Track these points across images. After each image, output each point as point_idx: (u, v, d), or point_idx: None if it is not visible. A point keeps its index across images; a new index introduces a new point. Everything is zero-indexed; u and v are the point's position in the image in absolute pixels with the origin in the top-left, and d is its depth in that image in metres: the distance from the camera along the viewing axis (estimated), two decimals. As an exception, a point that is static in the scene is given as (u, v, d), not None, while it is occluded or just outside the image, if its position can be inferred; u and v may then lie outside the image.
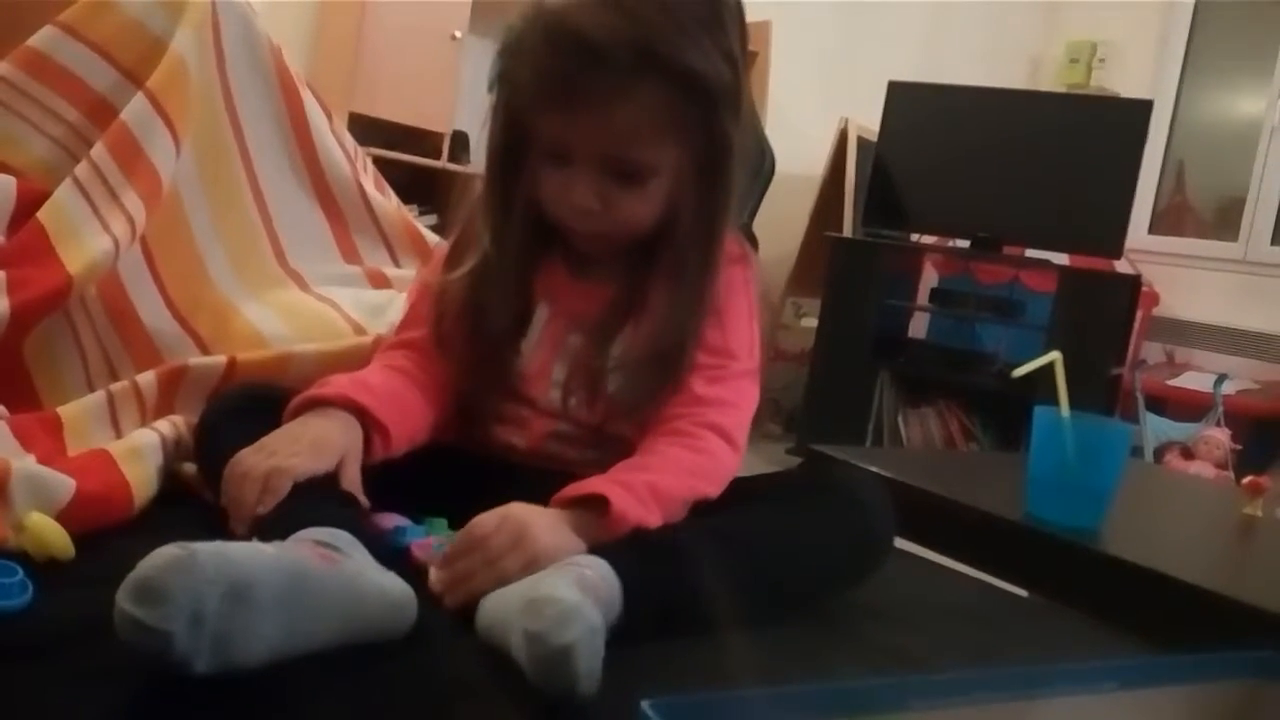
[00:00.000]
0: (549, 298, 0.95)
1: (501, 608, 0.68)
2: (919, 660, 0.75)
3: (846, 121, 3.80)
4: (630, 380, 0.90)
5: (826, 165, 3.85)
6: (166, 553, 0.55)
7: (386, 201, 1.39)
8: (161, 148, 1.14)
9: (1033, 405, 3.13)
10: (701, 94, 0.83)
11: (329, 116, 1.40)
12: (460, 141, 3.22)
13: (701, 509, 0.84)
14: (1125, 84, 4.52)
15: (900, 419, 3.43)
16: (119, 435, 0.91)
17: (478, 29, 3.16)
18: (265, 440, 0.78)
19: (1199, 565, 0.97)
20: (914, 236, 3.67)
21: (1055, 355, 0.99)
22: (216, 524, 0.80)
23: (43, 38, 1.17)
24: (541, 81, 0.82)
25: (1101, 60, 4.57)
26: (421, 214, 3.11)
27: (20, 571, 0.63)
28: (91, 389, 1.04)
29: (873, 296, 3.37)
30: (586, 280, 0.94)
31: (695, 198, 0.88)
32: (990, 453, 1.41)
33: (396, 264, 1.34)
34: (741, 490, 0.88)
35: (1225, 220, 4.33)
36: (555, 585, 0.63)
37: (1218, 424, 3.04)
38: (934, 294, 3.63)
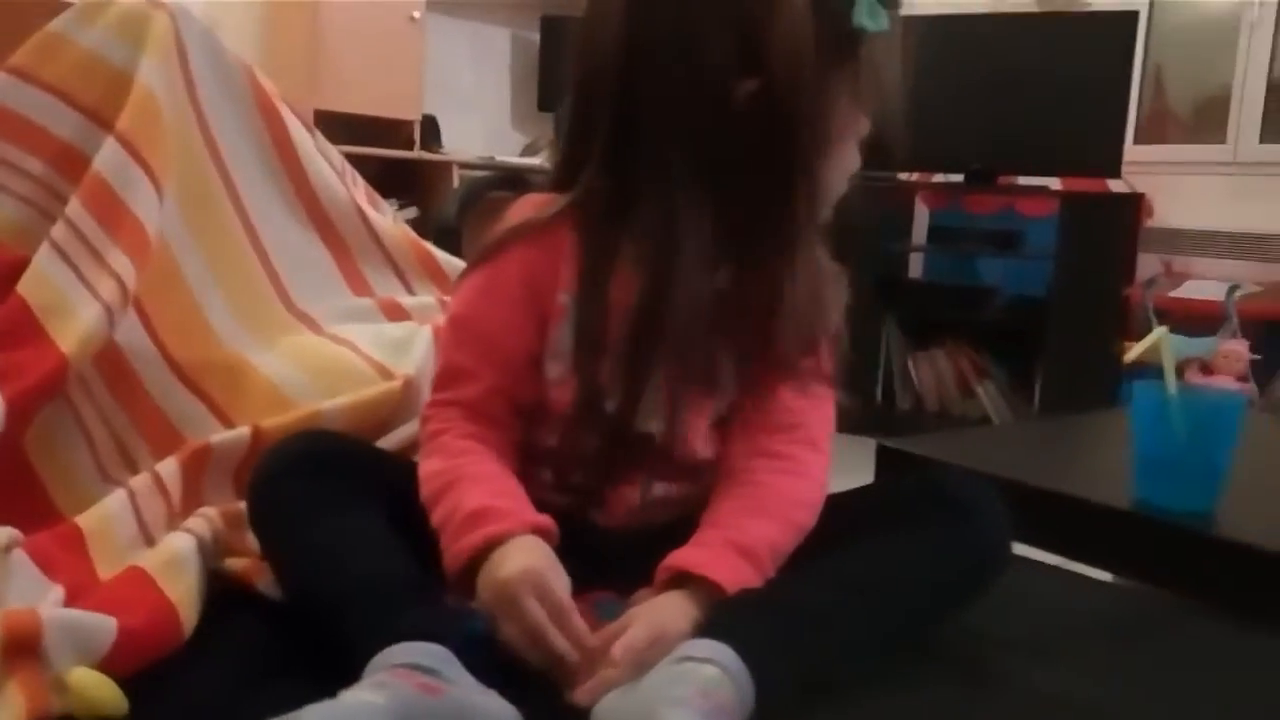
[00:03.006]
0: None
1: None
2: (1095, 710, 0.68)
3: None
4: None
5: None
6: None
7: (387, 220, 1.28)
8: (143, 196, 1.03)
9: (1041, 333, 3.07)
10: None
11: (312, 133, 1.29)
12: (431, 127, 3.09)
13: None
14: (1094, -9, 4.41)
15: (910, 363, 3.37)
16: (148, 539, 0.82)
17: (437, 7, 3.02)
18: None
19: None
20: (902, 175, 3.58)
21: (1161, 332, 0.91)
22: (272, 631, 0.71)
23: (-8, 87, 1.06)
24: None
25: (1071, -32, 4.44)
26: (401, 207, 2.99)
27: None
28: (103, 476, 0.94)
29: (869, 241, 3.29)
30: None
31: None
32: (1067, 419, 1.34)
33: (410, 291, 1.23)
34: (841, 510, 0.80)
35: (1206, 122, 4.26)
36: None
37: (1234, 335, 2.98)
38: (931, 233, 3.55)
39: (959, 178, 3.31)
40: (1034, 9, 4.37)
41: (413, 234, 1.29)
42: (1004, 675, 0.72)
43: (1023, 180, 3.22)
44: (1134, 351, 0.92)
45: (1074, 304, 3.01)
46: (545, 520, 0.74)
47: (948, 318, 3.32)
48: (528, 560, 0.69)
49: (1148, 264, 4.03)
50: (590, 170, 0.78)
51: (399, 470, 0.81)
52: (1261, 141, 4.03)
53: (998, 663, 0.74)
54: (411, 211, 2.97)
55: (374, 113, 2.94)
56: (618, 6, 0.76)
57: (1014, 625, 0.79)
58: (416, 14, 2.94)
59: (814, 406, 0.83)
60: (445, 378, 0.83)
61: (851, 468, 1.18)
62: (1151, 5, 4.35)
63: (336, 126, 2.85)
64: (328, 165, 1.24)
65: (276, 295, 1.14)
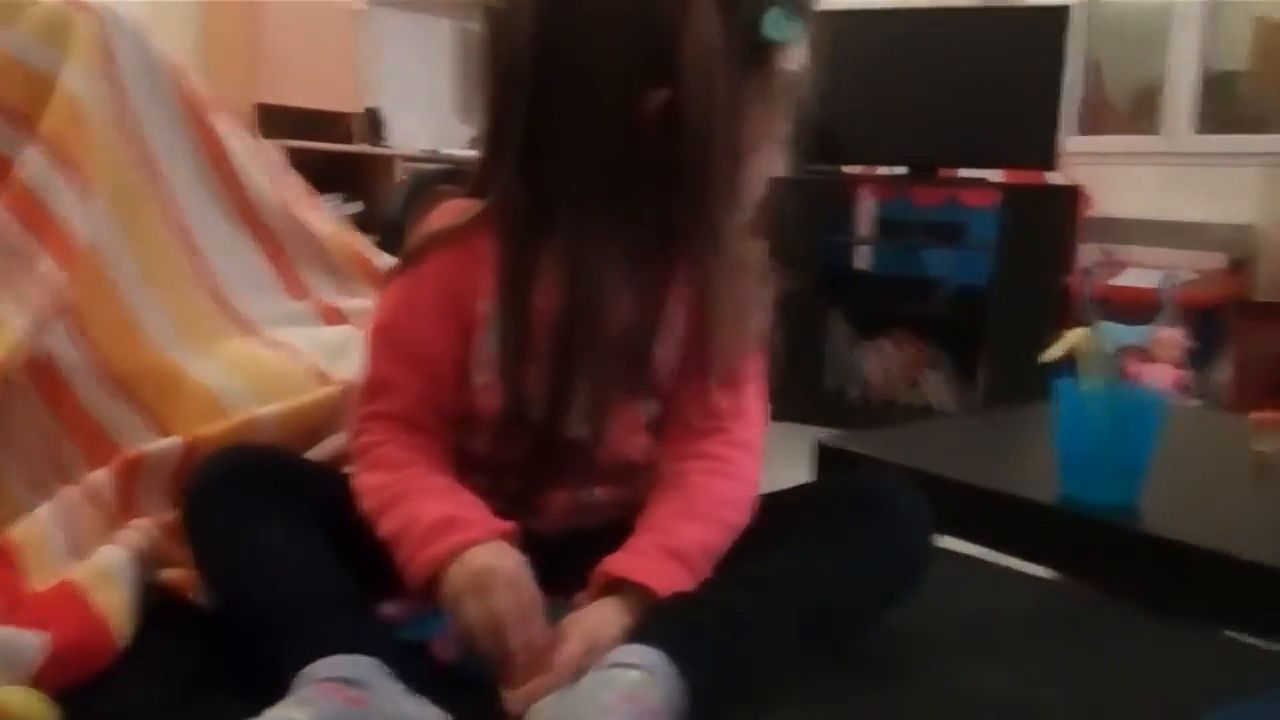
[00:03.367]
0: None
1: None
2: (1021, 707, 0.70)
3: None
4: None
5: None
6: None
7: (324, 222, 1.27)
8: (70, 202, 1.01)
9: (983, 323, 3.11)
10: None
11: (250, 132, 1.27)
12: (374, 119, 3.06)
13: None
14: (1033, -16, 4.48)
15: (857, 353, 3.41)
16: (80, 551, 0.81)
17: (377, -1, 2.99)
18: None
19: (1234, 533, 0.94)
20: (846, 168, 3.62)
21: (1081, 332, 0.93)
22: (205, 644, 0.71)
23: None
24: None
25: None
26: (345, 202, 2.96)
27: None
28: (35, 486, 0.93)
29: (815, 234, 3.33)
30: None
31: None
32: (1003, 413, 1.37)
33: (348, 294, 1.23)
34: (772, 509, 0.82)
35: (1142, 112, 4.36)
36: None
37: (1171, 323, 3.06)
38: (878, 225, 3.59)
39: (903, 170, 3.35)
40: (973, 4, 4.44)
41: (350, 236, 1.28)
42: (931, 675, 0.75)
43: (965, 173, 3.27)
44: (1051, 351, 0.95)
45: (1014, 294, 3.07)
46: (510, 526, 0.74)
47: (894, 309, 3.37)
48: (505, 559, 0.70)
49: (1089, 253, 4.12)
50: (507, 177, 0.78)
51: (331, 483, 0.81)
52: (1196, 132, 4.15)
53: (925, 662, 0.76)
54: (356, 206, 2.95)
55: (315, 106, 2.90)
56: (527, 17, 0.76)
57: (943, 622, 0.81)
58: (358, 6, 2.90)
59: (745, 406, 0.84)
60: (373, 389, 0.82)
61: (801, 456, 1.20)
62: (1088, 1, 4.45)
63: (278, 120, 2.81)
64: (263, 170, 1.22)
65: (213, 300, 1.13)
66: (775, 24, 0.73)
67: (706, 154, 0.74)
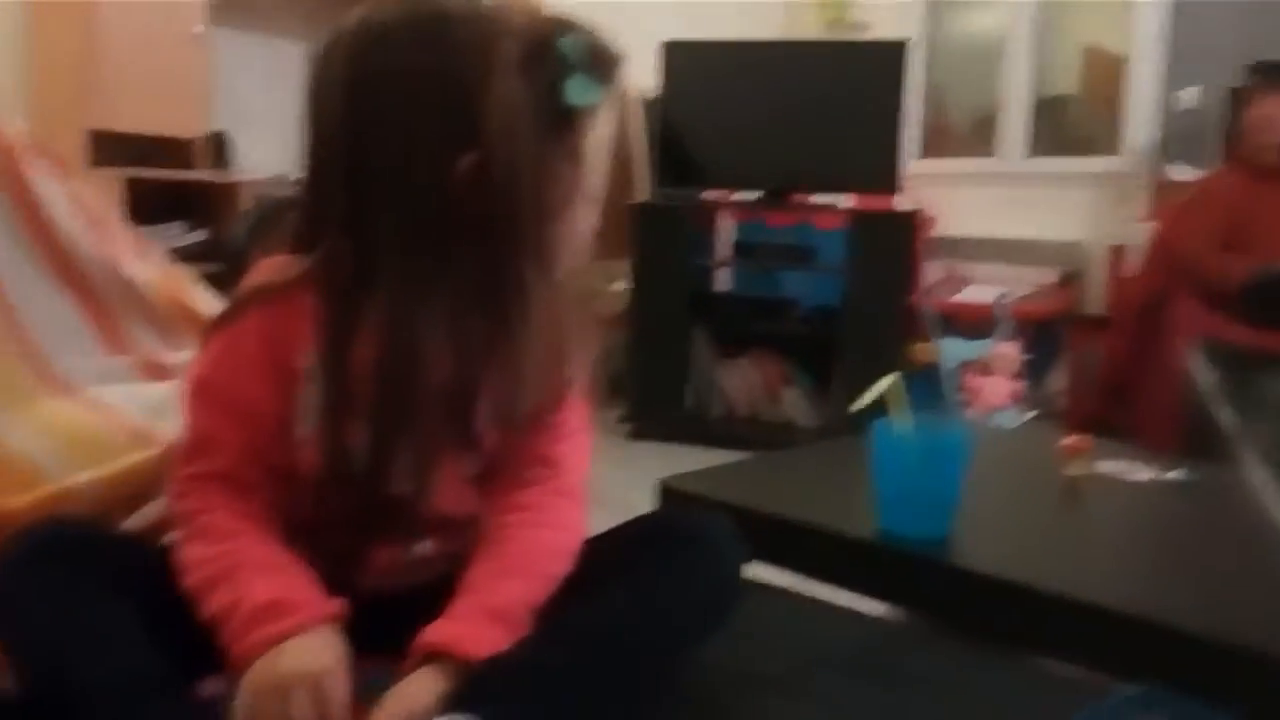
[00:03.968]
0: None
1: None
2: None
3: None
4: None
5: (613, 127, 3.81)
6: None
7: (151, 273, 1.22)
8: None
9: (836, 341, 3.24)
10: None
11: (69, 179, 1.22)
12: (220, 145, 2.96)
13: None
14: (878, 14, 4.69)
15: (719, 372, 3.49)
16: None
17: (221, 20, 2.90)
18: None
19: (1038, 563, 1.00)
20: (706, 193, 3.70)
21: (892, 378, 0.99)
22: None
23: None
24: None
25: (855, -7, 4.72)
26: (188, 231, 2.85)
27: None
28: None
29: (678, 258, 3.40)
30: None
31: None
32: (834, 445, 1.43)
33: (172, 347, 1.18)
34: (591, 555, 0.84)
35: (981, 136, 4.61)
36: None
37: (1007, 338, 3.25)
38: (737, 248, 3.69)
39: (759, 195, 3.46)
40: (822, 38, 4.62)
41: (177, 283, 1.23)
42: (748, 710, 0.77)
43: (816, 198, 3.39)
44: (862, 400, 1.00)
45: (864, 313, 3.20)
46: (337, 607, 0.74)
47: (753, 329, 3.46)
48: (321, 657, 0.70)
49: (935, 271, 4.33)
50: (326, 232, 0.79)
51: (147, 555, 0.79)
52: (1028, 155, 4.42)
53: (742, 696, 0.79)
54: (199, 235, 2.84)
55: (156, 131, 2.78)
56: (340, 78, 0.77)
57: (763, 656, 0.84)
58: (199, 28, 2.80)
59: (567, 453, 0.87)
60: (194, 448, 0.81)
61: (670, 473, 1.23)
62: (927, 31, 4.68)
63: (114, 147, 2.69)
64: (79, 215, 1.17)
65: (23, 359, 1.07)
66: (578, 90, 0.76)
67: (515, 214, 0.76)
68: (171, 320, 1.20)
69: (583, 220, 0.83)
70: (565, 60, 0.75)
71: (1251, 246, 2.93)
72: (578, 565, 0.82)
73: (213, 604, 0.73)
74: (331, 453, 0.78)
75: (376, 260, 0.77)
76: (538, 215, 0.77)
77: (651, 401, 3.45)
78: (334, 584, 0.77)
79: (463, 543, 0.83)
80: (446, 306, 0.78)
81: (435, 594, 0.77)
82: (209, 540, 0.76)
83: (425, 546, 0.84)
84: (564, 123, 0.77)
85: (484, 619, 0.74)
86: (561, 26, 0.77)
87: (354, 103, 0.76)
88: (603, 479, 2.66)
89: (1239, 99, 3.17)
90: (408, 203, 0.76)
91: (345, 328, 0.78)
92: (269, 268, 0.83)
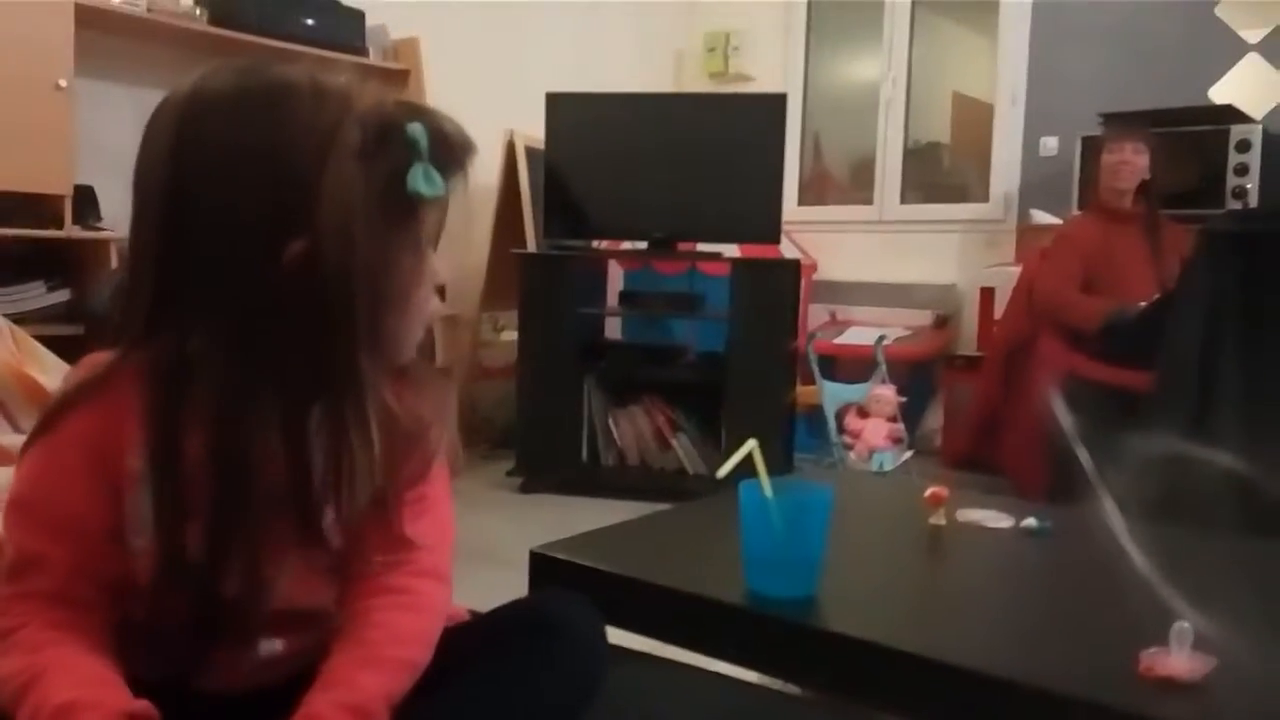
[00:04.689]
0: None
1: None
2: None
3: (512, 133, 3.78)
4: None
5: (499, 177, 3.82)
6: None
7: (-4, 352, 1.17)
8: None
9: (724, 386, 3.30)
10: None
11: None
12: (86, 199, 2.84)
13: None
14: (759, 66, 4.86)
15: (610, 421, 3.50)
16: None
17: (86, 72, 2.80)
18: None
19: (898, 625, 1.04)
20: (595, 242, 3.74)
21: (752, 444, 1.01)
22: None
23: None
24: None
25: (736, 48, 4.87)
26: (50, 290, 2.73)
27: None
28: None
29: (566, 307, 3.41)
30: None
31: None
32: (708, 502, 1.44)
33: (16, 428, 1.13)
34: (455, 642, 0.82)
35: (860, 182, 4.79)
36: None
37: (883, 381, 3.35)
38: (622, 296, 3.72)
39: (645, 245, 3.51)
40: (706, 90, 4.75)
41: (22, 364, 1.18)
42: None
43: (702, 246, 3.46)
44: (724, 467, 1.02)
45: (748, 358, 3.27)
46: (139, 706, 0.70)
47: (643, 376, 3.49)
48: None
49: (816, 314, 4.45)
50: (151, 320, 0.75)
51: None
52: (901, 202, 4.60)
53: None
54: (61, 295, 2.72)
55: (19, 188, 2.66)
56: (164, 147, 0.73)
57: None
58: (63, 81, 2.70)
59: (429, 531, 0.84)
60: (17, 569, 0.76)
61: (560, 528, 1.23)
62: (806, 81, 4.86)
63: (-31, 205, 2.57)
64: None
65: None
66: (421, 180, 0.73)
67: (348, 304, 0.73)
68: (12, 398, 1.14)
69: (423, 307, 0.81)
70: (410, 147, 0.73)
71: (1110, 287, 3.12)
72: (441, 655, 0.80)
73: (20, 716, 0.69)
74: (166, 556, 0.74)
75: (200, 351, 0.73)
76: (373, 305, 0.74)
77: (542, 453, 3.43)
78: (176, 689, 0.74)
79: (317, 636, 0.80)
80: (277, 400, 0.75)
81: (294, 691, 0.75)
82: (18, 653, 0.72)
83: (274, 646, 0.81)
84: (405, 211, 0.75)
85: (343, 715, 0.72)
86: (410, 112, 0.75)
87: (176, 177, 0.72)
88: (493, 534, 2.64)
89: (1092, 147, 3.37)
90: (231, 288, 0.73)
91: (173, 424, 0.74)
92: (89, 364, 0.79)
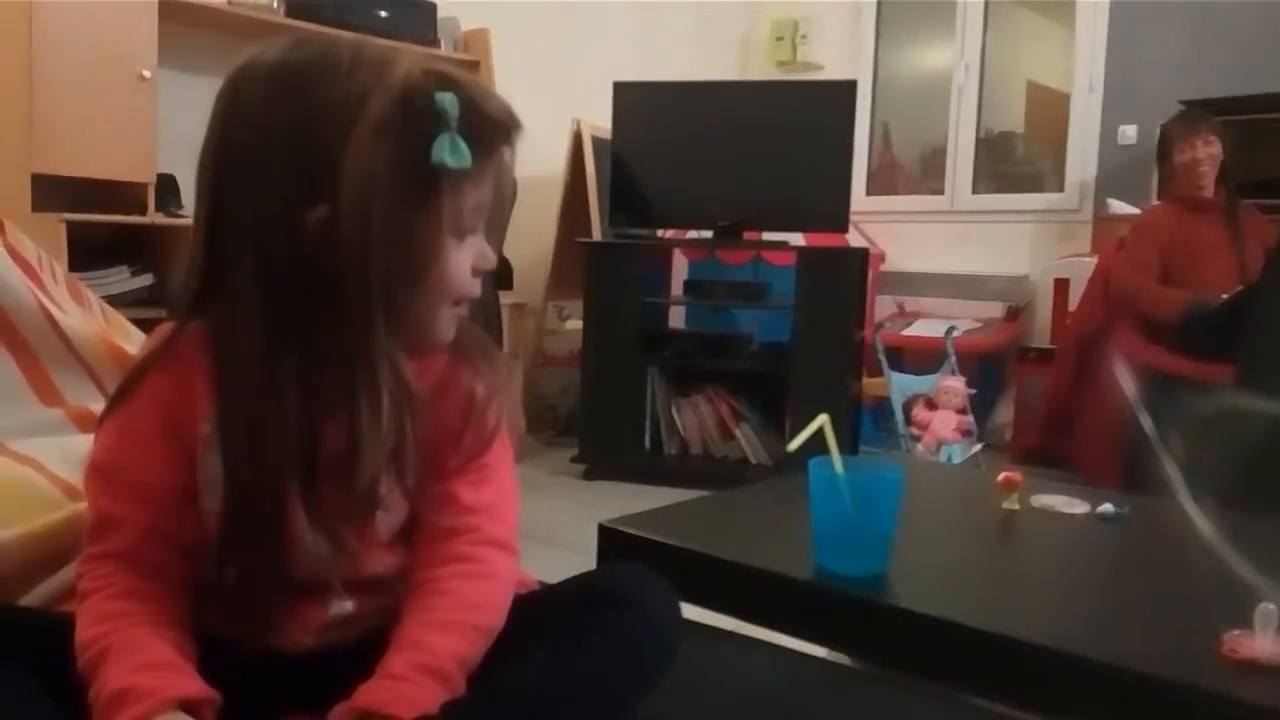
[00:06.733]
0: None
1: None
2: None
3: (579, 123, 3.80)
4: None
5: (566, 166, 3.85)
6: None
7: (84, 322, 1.21)
8: None
9: (788, 377, 3.27)
10: None
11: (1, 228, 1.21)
12: (168, 188, 2.93)
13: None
14: (828, 55, 4.80)
15: (674, 410, 3.50)
16: None
17: (169, 63, 2.89)
18: None
19: (971, 601, 1.02)
20: (659, 231, 3.74)
21: (824, 419, 1.00)
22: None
23: None
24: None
25: (804, 36, 4.82)
26: (134, 274, 2.82)
27: None
28: None
29: (631, 296, 3.42)
30: None
31: None
32: (774, 485, 1.44)
33: (106, 396, 1.17)
34: (528, 610, 0.83)
35: (930, 172, 4.71)
36: None
37: (953, 373, 3.30)
38: (686, 285, 3.72)
39: (709, 233, 3.50)
40: (773, 78, 4.72)
41: (112, 335, 1.22)
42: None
43: (768, 235, 3.44)
44: (796, 440, 1.01)
45: (814, 349, 3.24)
46: (194, 690, 0.71)
47: (707, 365, 3.48)
48: None
49: (885, 306, 4.40)
50: (201, 292, 0.77)
51: (49, 629, 0.76)
52: (973, 192, 4.52)
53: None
54: (146, 279, 2.81)
55: (102, 176, 2.76)
56: (212, 125, 0.75)
57: (698, 700, 0.84)
58: (147, 72, 2.79)
59: (495, 502, 0.85)
60: (95, 529, 0.79)
61: (624, 512, 1.23)
62: (875, 71, 4.79)
63: (58, 191, 2.66)
64: (13, 267, 1.16)
65: (-50, 413, 1.06)
66: (446, 150, 0.72)
67: (362, 273, 0.73)
68: (104, 368, 1.18)
69: (452, 286, 0.80)
70: (438, 118, 0.72)
71: (1188, 278, 3.02)
72: (511, 624, 0.81)
73: (91, 692, 0.71)
74: (236, 519, 0.76)
75: (236, 318, 0.74)
76: (394, 278, 0.74)
77: (605, 440, 3.45)
78: (254, 648, 0.76)
79: (389, 599, 0.82)
80: (297, 367, 0.76)
81: (365, 653, 0.76)
82: (90, 622, 0.74)
83: (345, 606, 0.82)
84: (429, 183, 0.74)
85: (417, 675, 0.73)
86: (442, 81, 0.74)
87: (220, 147, 0.75)
88: (555, 520, 2.65)
89: (1166, 138, 3.27)
90: (260, 255, 0.74)
91: (238, 388, 0.75)
92: (160, 333, 0.81)
